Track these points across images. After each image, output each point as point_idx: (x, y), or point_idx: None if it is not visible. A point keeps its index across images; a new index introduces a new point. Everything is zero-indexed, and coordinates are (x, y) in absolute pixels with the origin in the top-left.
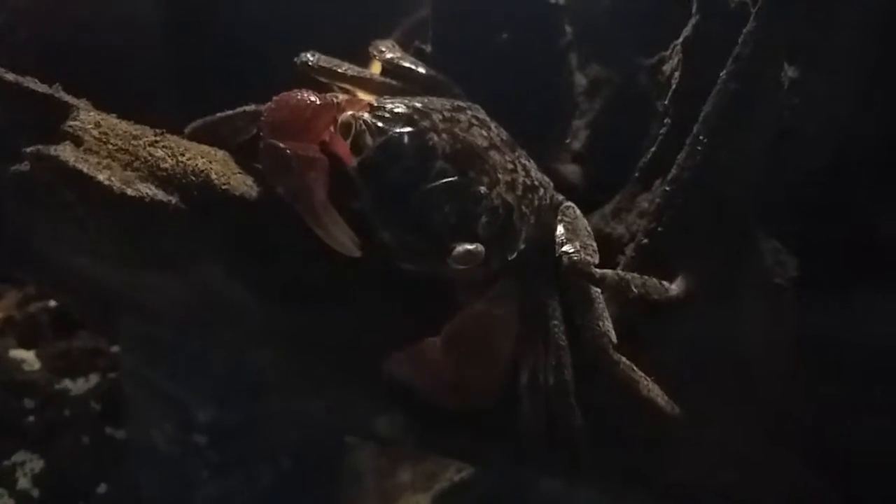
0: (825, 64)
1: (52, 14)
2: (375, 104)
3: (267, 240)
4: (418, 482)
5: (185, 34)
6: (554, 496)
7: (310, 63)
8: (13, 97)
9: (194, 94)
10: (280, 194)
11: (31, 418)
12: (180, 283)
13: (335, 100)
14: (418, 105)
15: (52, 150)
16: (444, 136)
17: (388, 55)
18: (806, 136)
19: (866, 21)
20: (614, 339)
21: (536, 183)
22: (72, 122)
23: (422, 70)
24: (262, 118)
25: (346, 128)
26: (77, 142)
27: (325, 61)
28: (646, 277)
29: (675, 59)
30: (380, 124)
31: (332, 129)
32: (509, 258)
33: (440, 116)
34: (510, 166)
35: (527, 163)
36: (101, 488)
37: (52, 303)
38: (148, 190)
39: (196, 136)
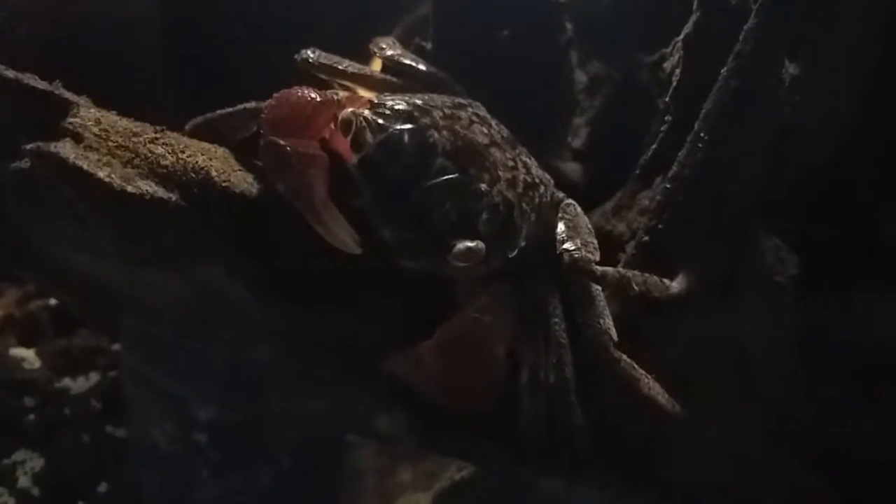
0: (826, 61)
1: (52, 11)
2: (376, 101)
3: (267, 237)
4: (419, 481)
5: (185, 31)
6: (554, 495)
7: (310, 60)
8: (13, 94)
9: (194, 91)
10: (280, 191)
11: (32, 417)
12: (180, 280)
13: (335, 97)
14: (419, 102)
15: (52, 146)
16: (444, 133)
17: (389, 52)
18: (807, 133)
19: (867, 18)
20: (615, 336)
21: (537, 180)
22: (72, 119)
23: (422, 67)
24: (263, 115)
25: (346, 125)
26: (77, 139)
27: (325, 58)
28: (647, 275)
29: (676, 57)
30: (380, 121)
31: (332, 126)
32: (510, 255)
33: (441, 113)
34: (511, 163)
35: (527, 160)
36: (102, 487)
37: (53, 301)
38: (148, 187)
39: (196, 134)
